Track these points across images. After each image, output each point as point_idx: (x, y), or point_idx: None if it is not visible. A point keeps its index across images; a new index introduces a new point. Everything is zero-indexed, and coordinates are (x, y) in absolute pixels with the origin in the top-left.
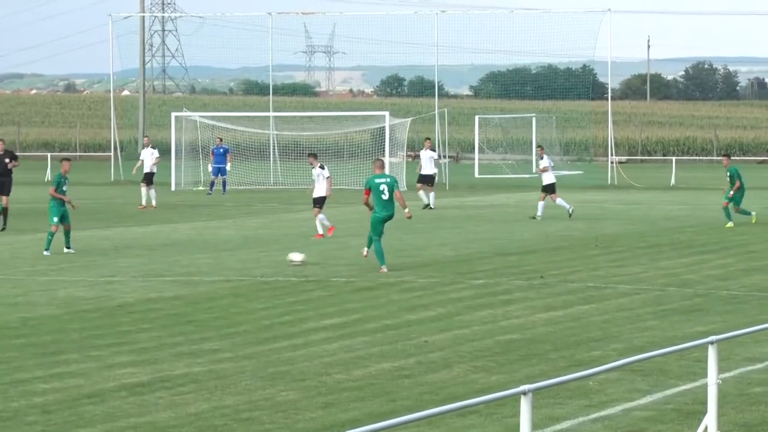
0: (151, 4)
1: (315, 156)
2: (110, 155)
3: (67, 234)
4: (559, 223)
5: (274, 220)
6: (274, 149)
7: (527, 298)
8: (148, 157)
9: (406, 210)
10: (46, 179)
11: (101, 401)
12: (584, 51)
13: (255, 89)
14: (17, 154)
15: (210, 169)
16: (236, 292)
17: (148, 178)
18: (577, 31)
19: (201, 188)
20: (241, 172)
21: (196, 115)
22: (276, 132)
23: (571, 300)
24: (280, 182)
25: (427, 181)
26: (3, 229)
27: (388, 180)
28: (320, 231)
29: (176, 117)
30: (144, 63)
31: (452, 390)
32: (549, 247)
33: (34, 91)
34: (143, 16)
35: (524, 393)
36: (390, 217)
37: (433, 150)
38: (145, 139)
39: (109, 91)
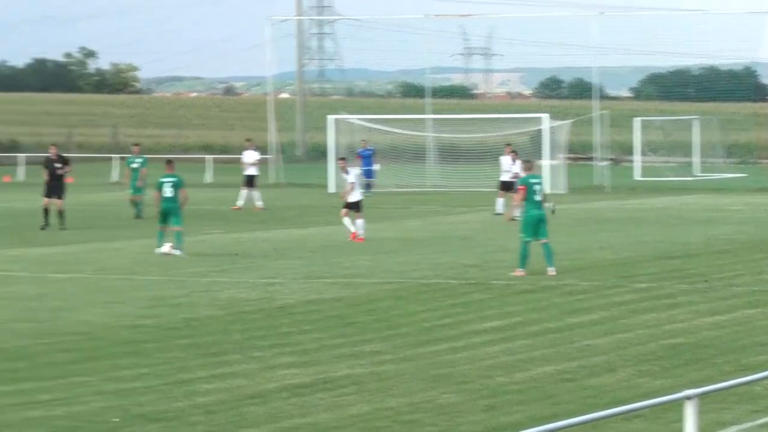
0: (309, 7)
1: (344, 159)
2: (269, 158)
3: (177, 235)
4: (723, 226)
5: (432, 222)
6: (431, 152)
7: (691, 302)
8: (249, 159)
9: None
10: (204, 181)
11: (263, 402)
12: (747, 52)
13: (412, 92)
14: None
15: (358, 172)
16: (396, 295)
17: (248, 181)
18: (739, 32)
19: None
20: (399, 175)
21: (353, 118)
22: (434, 134)
23: (736, 304)
24: (438, 184)
25: (507, 188)
26: (63, 229)
27: (541, 181)
28: (353, 230)
29: (333, 120)
30: (301, 66)
31: (616, 394)
32: (713, 250)
33: (194, 94)
34: (300, 20)
35: (689, 397)
36: (541, 218)
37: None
38: (247, 142)
39: (268, 94)
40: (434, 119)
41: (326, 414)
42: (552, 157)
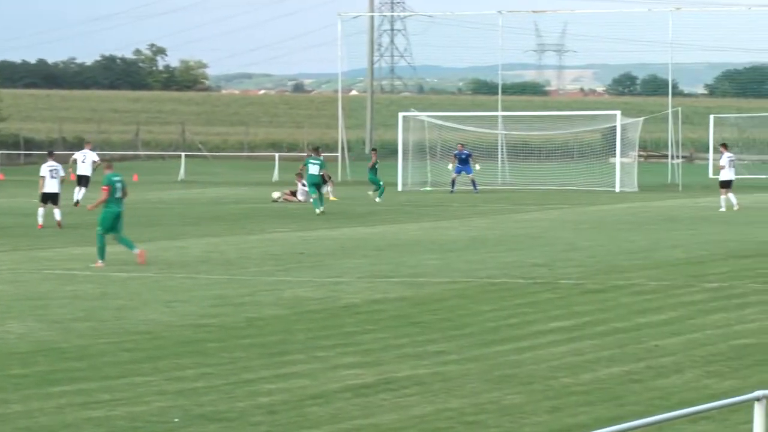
0: (380, 3)
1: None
2: (338, 155)
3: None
4: None
5: (501, 220)
6: (502, 149)
7: (763, 301)
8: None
9: None
10: (272, 179)
11: (326, 402)
12: None
13: (484, 88)
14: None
15: (450, 167)
16: (462, 294)
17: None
18: None
19: (428, 189)
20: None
21: (423, 115)
22: (505, 132)
23: None
24: (509, 182)
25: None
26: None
27: (121, 178)
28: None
29: (404, 117)
30: (372, 63)
31: (683, 395)
32: None
33: (262, 92)
34: (372, 16)
35: (758, 399)
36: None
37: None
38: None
39: (337, 91)
40: (505, 116)
41: (389, 415)
42: (623, 155)
